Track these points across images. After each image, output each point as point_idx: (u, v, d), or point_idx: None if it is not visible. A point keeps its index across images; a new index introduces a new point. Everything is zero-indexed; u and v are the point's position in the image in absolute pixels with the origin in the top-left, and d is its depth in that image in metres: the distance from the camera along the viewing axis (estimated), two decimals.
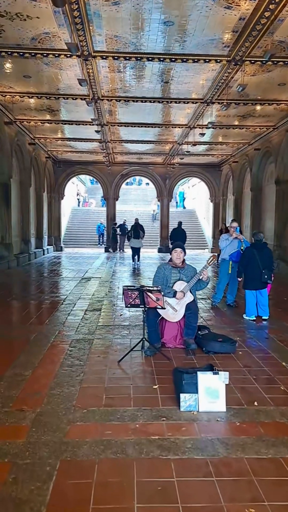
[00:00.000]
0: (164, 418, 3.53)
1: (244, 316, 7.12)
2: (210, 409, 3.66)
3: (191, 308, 5.29)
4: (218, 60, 8.89)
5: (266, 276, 6.76)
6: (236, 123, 14.28)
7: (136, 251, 16.81)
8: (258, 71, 9.50)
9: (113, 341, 5.80)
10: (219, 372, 3.74)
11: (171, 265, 5.50)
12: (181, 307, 5.30)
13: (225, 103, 10.71)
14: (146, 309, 5.07)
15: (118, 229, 22.72)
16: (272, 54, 7.30)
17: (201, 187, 28.51)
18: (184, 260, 5.53)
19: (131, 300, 5.07)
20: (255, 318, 7.04)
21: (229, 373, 4.16)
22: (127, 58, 8.88)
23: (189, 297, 5.33)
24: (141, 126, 14.96)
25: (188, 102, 11.95)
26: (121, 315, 7.40)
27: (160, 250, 23.16)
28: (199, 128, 14.65)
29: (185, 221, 27.77)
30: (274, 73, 9.63)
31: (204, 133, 14.22)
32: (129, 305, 5.11)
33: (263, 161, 16.74)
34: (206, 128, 14.25)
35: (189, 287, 5.31)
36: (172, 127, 15.01)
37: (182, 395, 3.69)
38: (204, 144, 17.54)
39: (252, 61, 8.85)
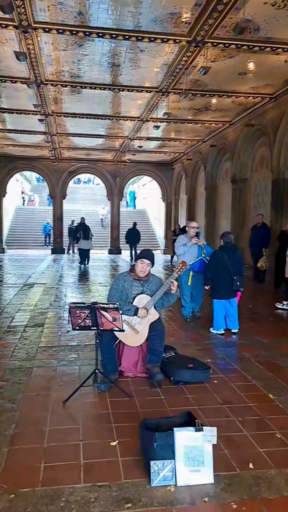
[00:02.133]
0: (129, 504, 2.44)
1: (211, 329, 6.18)
2: (192, 481, 2.63)
3: (156, 329, 4.24)
4: (177, 40, 7.91)
5: (238, 283, 5.87)
6: (191, 117, 13.46)
7: (85, 254, 15.58)
8: (219, 56, 8.64)
9: (58, 369, 4.62)
10: (203, 428, 2.71)
11: (132, 276, 4.41)
12: (143, 327, 4.22)
13: (184, 91, 9.78)
14: (99, 331, 3.96)
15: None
16: (242, 28, 6.40)
17: (152, 186, 27.69)
18: (149, 272, 4.47)
19: (80, 321, 3.93)
20: (223, 332, 6.13)
21: (208, 415, 3.18)
22: (74, 32, 7.68)
23: (153, 315, 4.27)
24: (90, 118, 13.74)
25: (141, 91, 10.92)
26: (68, 331, 6.21)
27: (110, 252, 22.00)
28: (153, 121, 13.70)
29: (136, 221, 26.89)
30: (236, 60, 8.83)
31: (159, 126, 13.28)
32: (77, 327, 3.96)
33: (218, 158, 16.12)
34: (160, 121, 13.33)
35: (153, 302, 4.26)
36: (124, 120, 13.93)
37: (153, 464, 2.62)
38: (156, 140, 16.62)
39: (215, 43, 7.97)
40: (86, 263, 15.63)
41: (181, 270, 4.33)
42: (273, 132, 11.26)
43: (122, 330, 3.89)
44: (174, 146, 18.16)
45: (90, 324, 3.94)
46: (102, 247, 22.53)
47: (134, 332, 4.17)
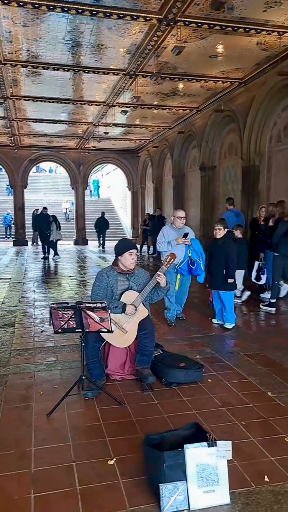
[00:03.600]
0: None
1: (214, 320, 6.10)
2: (207, 503, 2.32)
3: (146, 327, 3.89)
4: (148, 18, 7.47)
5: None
6: (158, 102, 13.03)
7: (53, 245, 14.89)
8: (190, 37, 8.27)
9: (36, 376, 4.19)
10: (217, 442, 2.41)
11: (116, 270, 4.02)
12: (132, 326, 3.86)
13: (154, 73, 9.35)
14: (84, 334, 3.57)
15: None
16: (221, 3, 6.05)
17: (117, 175, 27.18)
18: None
19: (63, 323, 3.52)
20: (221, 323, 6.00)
21: (209, 420, 2.90)
22: (36, 6, 7.06)
23: (142, 312, 3.92)
24: (52, 102, 13.00)
25: (108, 73, 10.39)
26: (42, 331, 5.77)
27: (76, 243, 21.38)
28: (119, 106, 13.19)
29: (101, 210, 26.29)
30: (208, 41, 8.48)
31: (127, 111, 12.78)
32: (59, 330, 3.55)
33: (185, 146, 15.84)
34: (127, 106, 12.84)
35: (142, 298, 3.90)
36: (88, 104, 13.31)
37: (163, 488, 2.29)
38: (122, 126, 16.09)
39: (187, 22, 7.57)
40: (53, 255, 14.96)
41: (170, 263, 3.99)
42: (243, 118, 11.07)
43: (111, 331, 3.51)
44: (139, 133, 17.69)
45: (75, 326, 3.54)
46: (67, 238, 21.86)
47: (122, 332, 3.81)
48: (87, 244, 21.37)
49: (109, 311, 3.46)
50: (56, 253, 14.90)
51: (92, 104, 13.31)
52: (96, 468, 2.66)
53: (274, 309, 6.83)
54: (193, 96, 12.42)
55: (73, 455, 2.81)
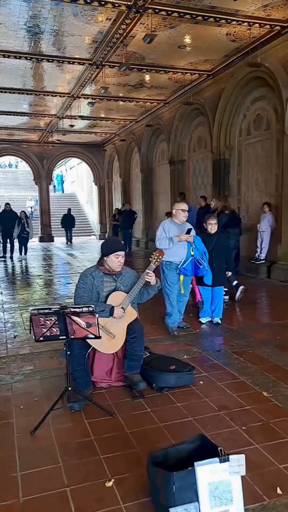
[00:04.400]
0: None
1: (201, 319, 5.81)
2: None
3: (136, 330, 3.64)
4: (117, 4, 7.16)
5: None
6: (125, 95, 12.71)
7: (23, 242, 14.03)
8: (159, 26, 8.02)
9: (13, 387, 3.85)
10: (229, 457, 2.20)
11: (102, 270, 3.73)
12: (120, 330, 3.60)
13: (124, 63, 9.03)
14: (69, 340, 3.28)
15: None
16: None
17: (81, 169, 26.65)
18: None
19: (45, 330, 3.21)
20: (210, 320, 5.79)
21: (207, 426, 2.71)
22: None
23: (130, 314, 3.66)
24: (13, 93, 12.40)
25: (73, 63, 9.98)
26: (15, 337, 5.40)
27: (41, 239, 20.74)
28: (84, 98, 12.77)
29: (66, 206, 25.69)
30: (177, 31, 8.28)
31: (93, 102, 12.37)
32: (41, 338, 3.24)
33: (153, 139, 15.62)
34: (93, 98, 12.44)
35: (130, 299, 3.64)
36: (52, 96, 12.80)
37: None
38: (87, 119, 15.65)
39: (157, 10, 7.32)
40: (24, 253, 14.19)
41: (158, 260, 3.74)
42: (211, 111, 10.96)
43: (99, 337, 3.24)
44: (105, 126, 17.30)
45: (58, 333, 3.24)
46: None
47: (109, 336, 3.54)
48: (53, 240, 20.80)
49: (97, 315, 3.18)
50: (25, 252, 14.22)
51: (56, 96, 12.83)
52: (93, 492, 2.40)
53: (227, 297, 6.83)
54: (160, 89, 12.20)
55: (65, 479, 2.53)
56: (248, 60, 9.01)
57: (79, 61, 9.95)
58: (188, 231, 5.13)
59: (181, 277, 5.15)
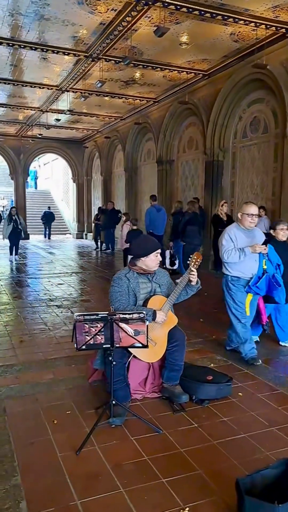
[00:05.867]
0: None
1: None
2: None
3: (178, 337, 3.39)
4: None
5: None
6: (115, 90, 12.37)
7: (16, 241, 12.77)
8: (165, 20, 7.71)
9: (39, 399, 3.51)
10: None
11: (137, 271, 3.46)
12: (161, 337, 3.34)
13: (128, 56, 8.70)
14: (111, 350, 2.98)
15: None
16: None
17: (57, 166, 25.99)
18: None
19: (88, 338, 2.91)
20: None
21: (266, 445, 2.51)
22: None
23: (171, 320, 3.41)
24: None
25: (68, 54, 9.56)
26: (21, 341, 5.01)
27: None
28: (72, 91, 12.35)
29: (40, 203, 25.05)
30: (182, 27, 8.06)
31: (87, 96, 11.94)
32: (83, 347, 2.93)
33: (139, 138, 15.36)
34: (82, 93, 12.02)
35: (171, 302, 3.39)
36: (40, 87, 12.29)
37: None
38: (72, 114, 15.19)
39: (166, 3, 7.08)
40: (14, 253, 13.03)
41: (197, 263, 3.49)
42: (206, 112, 10.84)
43: (146, 346, 2.97)
44: (88, 122, 16.86)
45: (103, 341, 2.95)
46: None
47: (151, 343, 3.27)
48: (28, 238, 20.09)
49: (147, 322, 2.92)
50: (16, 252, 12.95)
51: (43, 87, 12.30)
52: None
53: None
54: (152, 86, 11.96)
55: (133, 508, 2.25)
56: (250, 62, 8.94)
57: (73, 52, 9.56)
58: (266, 242, 4.35)
59: (249, 296, 4.33)
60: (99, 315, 2.89)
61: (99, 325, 2.90)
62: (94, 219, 16.80)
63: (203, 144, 11.18)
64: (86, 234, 21.08)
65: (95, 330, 2.90)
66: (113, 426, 3.04)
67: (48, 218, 20.66)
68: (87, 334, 2.91)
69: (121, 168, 16.54)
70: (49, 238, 20.52)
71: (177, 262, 9.28)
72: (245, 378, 3.96)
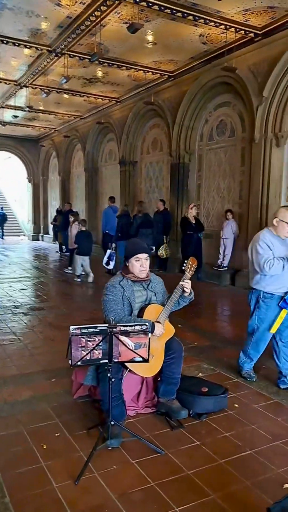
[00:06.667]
0: None
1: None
2: None
3: (176, 349, 3.18)
4: None
5: None
6: (77, 88, 11.96)
7: None
8: (134, 17, 7.50)
9: (22, 420, 3.16)
10: None
11: (130, 278, 3.21)
12: (159, 349, 3.11)
13: (96, 52, 8.39)
14: (110, 365, 2.72)
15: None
16: None
17: (9, 165, 24.99)
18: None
19: (85, 353, 2.62)
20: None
21: (274, 461, 2.38)
22: None
23: (168, 330, 3.19)
24: None
25: (30, 47, 9.09)
26: None
27: None
28: (32, 87, 11.82)
29: None
30: (151, 25, 7.85)
31: (48, 92, 11.45)
32: (79, 363, 2.65)
33: (100, 138, 15.03)
34: (41, 88, 11.54)
35: (167, 312, 3.17)
36: None
37: None
38: (31, 111, 14.56)
39: (138, 0, 6.89)
40: None
41: (192, 269, 3.30)
42: (171, 113, 10.75)
43: (147, 360, 2.73)
44: (46, 120, 16.28)
45: (100, 356, 2.68)
46: None
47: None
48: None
49: (149, 335, 2.68)
50: None
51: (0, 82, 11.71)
52: None
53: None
54: (116, 85, 11.71)
55: None
56: (217, 65, 8.95)
57: (37, 46, 9.12)
58: None
59: (284, 311, 3.73)
60: (98, 328, 2.61)
61: (97, 339, 2.62)
62: (53, 220, 16.27)
63: (168, 146, 11.08)
64: (42, 236, 20.41)
65: (93, 344, 2.63)
66: (110, 448, 2.78)
67: (1, 219, 20.40)
68: (83, 348, 2.62)
69: (81, 168, 16.13)
70: (2, 238, 20.20)
71: (112, 262, 9.65)
72: (237, 387, 3.82)
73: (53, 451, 2.76)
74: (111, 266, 9.76)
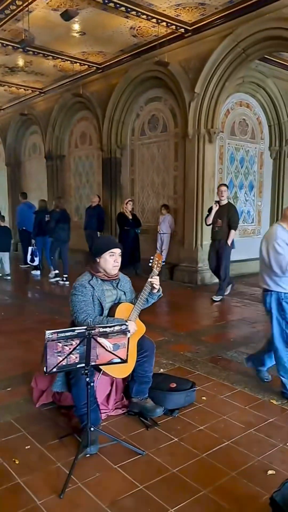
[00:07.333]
0: None
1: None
2: None
3: (147, 347, 3.09)
4: None
5: None
6: None
7: None
8: (64, 4, 7.19)
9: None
10: None
11: (100, 277, 3.06)
12: (131, 348, 3.00)
13: (24, 39, 7.86)
14: (87, 369, 2.56)
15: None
16: None
17: None
18: None
19: (61, 359, 2.44)
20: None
21: (253, 449, 2.45)
22: None
23: (140, 329, 3.09)
24: None
25: None
26: None
27: None
28: None
29: None
30: (82, 15, 7.58)
31: None
32: (55, 369, 2.46)
33: (22, 131, 14.33)
34: None
35: (138, 310, 3.08)
36: None
37: None
38: None
39: None
40: None
41: (159, 265, 3.23)
42: (100, 106, 10.55)
43: (126, 361, 2.63)
44: None
45: (77, 361, 2.51)
46: None
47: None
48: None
49: (129, 334, 2.58)
50: None
51: None
52: None
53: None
54: (41, 76, 11.20)
55: None
56: (147, 59, 8.95)
57: None
58: None
59: None
60: (76, 331, 2.45)
61: (74, 343, 2.46)
62: None
63: (98, 140, 10.89)
64: None
65: (70, 349, 2.45)
66: (87, 455, 2.63)
67: None
68: (59, 354, 2.44)
69: (1, 163, 15.27)
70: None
71: (36, 258, 9.75)
72: (200, 380, 3.84)
73: (28, 466, 2.55)
74: (36, 262, 9.78)
